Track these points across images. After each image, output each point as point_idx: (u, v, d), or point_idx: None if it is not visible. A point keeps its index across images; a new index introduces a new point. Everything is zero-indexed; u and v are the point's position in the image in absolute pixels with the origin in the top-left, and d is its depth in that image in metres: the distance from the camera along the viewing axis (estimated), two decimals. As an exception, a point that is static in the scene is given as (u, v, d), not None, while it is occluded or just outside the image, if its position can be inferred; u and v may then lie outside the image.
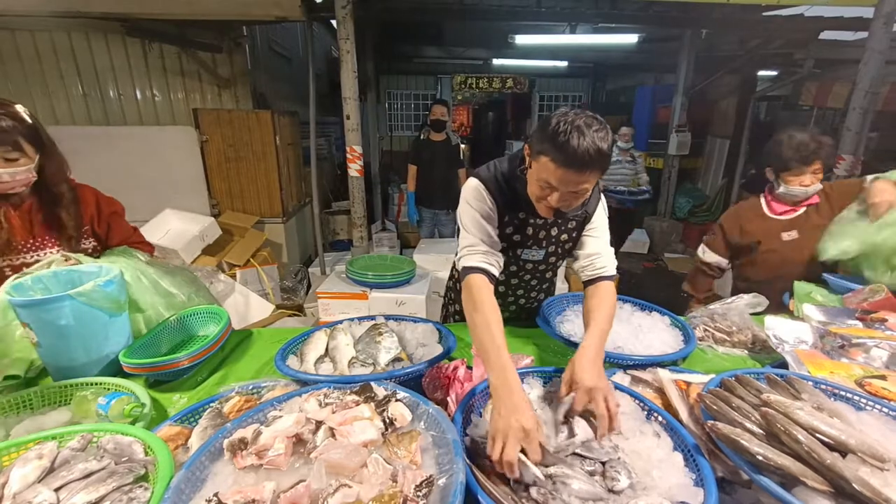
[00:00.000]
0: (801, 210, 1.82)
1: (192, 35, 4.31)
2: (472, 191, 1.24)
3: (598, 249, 1.28)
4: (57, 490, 0.72)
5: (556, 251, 1.37)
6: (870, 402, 0.92)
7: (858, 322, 1.38)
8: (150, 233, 3.51)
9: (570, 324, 1.47)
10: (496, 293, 1.22)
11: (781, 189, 1.79)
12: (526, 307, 1.61)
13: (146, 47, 4.40)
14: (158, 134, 4.33)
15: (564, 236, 1.34)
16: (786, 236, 1.82)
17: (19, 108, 1.27)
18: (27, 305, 1.11)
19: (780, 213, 1.85)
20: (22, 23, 4.10)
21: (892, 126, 4.40)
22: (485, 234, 1.19)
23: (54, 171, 1.36)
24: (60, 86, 4.43)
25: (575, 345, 1.27)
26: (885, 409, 0.90)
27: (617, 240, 2.18)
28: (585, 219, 1.31)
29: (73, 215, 1.41)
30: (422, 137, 4.16)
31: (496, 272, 1.17)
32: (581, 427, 0.89)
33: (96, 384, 1.09)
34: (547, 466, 0.79)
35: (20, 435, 0.88)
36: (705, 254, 2.05)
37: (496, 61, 8.35)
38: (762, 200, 1.91)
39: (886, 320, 1.33)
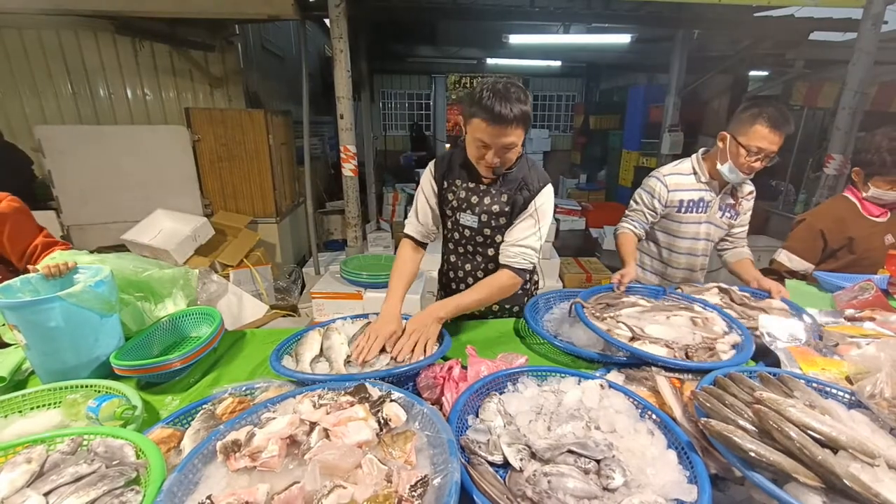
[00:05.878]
0: (889, 213, 1.75)
1: (183, 33, 4.28)
2: (425, 170, 1.53)
3: (517, 239, 1.40)
4: (46, 494, 0.71)
5: (489, 222, 1.45)
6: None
7: (848, 321, 1.39)
8: (142, 233, 3.47)
9: (557, 321, 1.46)
10: (449, 262, 1.62)
11: (871, 192, 1.70)
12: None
13: (137, 46, 4.36)
14: (150, 133, 4.28)
15: (496, 207, 1.43)
16: (888, 240, 1.73)
17: None
18: (15, 307, 1.09)
19: (878, 215, 1.76)
20: (9, 20, 4.04)
21: (880, 126, 4.46)
22: (421, 210, 1.53)
23: None
24: (49, 85, 4.38)
25: (565, 345, 1.28)
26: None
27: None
28: (525, 202, 1.39)
29: None
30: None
31: (420, 239, 1.55)
32: (571, 426, 0.89)
33: (86, 386, 1.07)
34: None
35: (8, 439, 0.86)
36: (792, 261, 1.85)
37: (490, 61, 8.36)
38: (854, 200, 1.79)
39: (875, 319, 1.35)
